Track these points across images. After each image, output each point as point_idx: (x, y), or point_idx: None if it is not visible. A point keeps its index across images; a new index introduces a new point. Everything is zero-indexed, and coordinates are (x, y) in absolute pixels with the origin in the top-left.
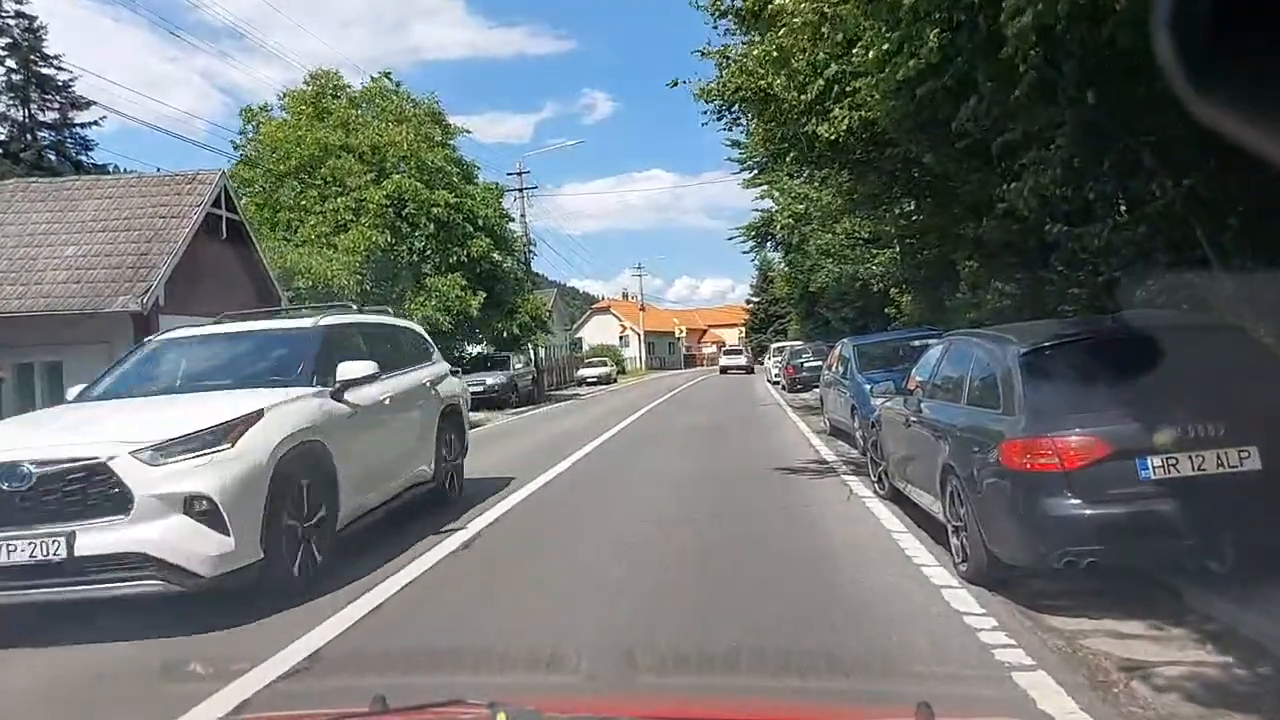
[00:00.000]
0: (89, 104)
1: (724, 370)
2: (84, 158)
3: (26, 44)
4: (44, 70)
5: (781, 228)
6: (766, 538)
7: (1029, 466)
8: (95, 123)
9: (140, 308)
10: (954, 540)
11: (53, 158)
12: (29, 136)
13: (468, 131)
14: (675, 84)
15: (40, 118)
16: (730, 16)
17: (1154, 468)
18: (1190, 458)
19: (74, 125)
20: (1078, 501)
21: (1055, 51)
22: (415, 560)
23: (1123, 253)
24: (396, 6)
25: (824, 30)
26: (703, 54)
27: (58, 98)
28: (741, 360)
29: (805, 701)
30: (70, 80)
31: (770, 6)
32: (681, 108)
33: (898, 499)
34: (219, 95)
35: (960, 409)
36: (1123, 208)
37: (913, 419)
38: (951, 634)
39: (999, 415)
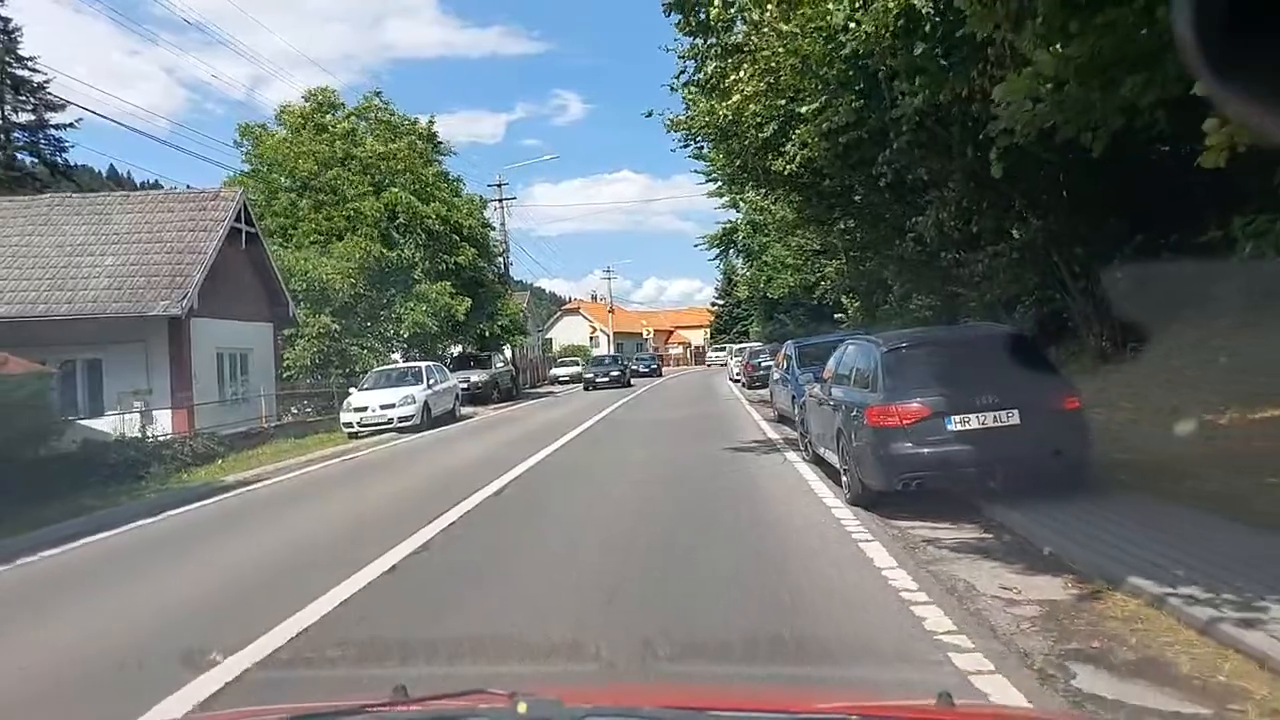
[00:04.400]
0: (64, 105)
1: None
2: (58, 159)
3: (1, 45)
4: (19, 72)
5: (745, 237)
6: (718, 491)
7: (882, 424)
8: (71, 124)
9: (180, 312)
10: (844, 478)
11: (26, 160)
12: (3, 137)
13: (454, 152)
14: (650, 115)
15: (14, 119)
16: (693, 87)
17: (955, 423)
18: (978, 417)
19: (49, 126)
20: (910, 445)
21: (944, 118)
22: (421, 530)
23: (1000, 276)
24: (373, 3)
25: (769, 97)
26: (671, 89)
27: (32, 99)
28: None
29: (825, 688)
30: (45, 81)
31: (725, 83)
32: (653, 110)
33: (818, 462)
34: (183, 91)
35: (850, 390)
36: (1014, 238)
37: (824, 399)
38: (830, 533)
39: (869, 392)
